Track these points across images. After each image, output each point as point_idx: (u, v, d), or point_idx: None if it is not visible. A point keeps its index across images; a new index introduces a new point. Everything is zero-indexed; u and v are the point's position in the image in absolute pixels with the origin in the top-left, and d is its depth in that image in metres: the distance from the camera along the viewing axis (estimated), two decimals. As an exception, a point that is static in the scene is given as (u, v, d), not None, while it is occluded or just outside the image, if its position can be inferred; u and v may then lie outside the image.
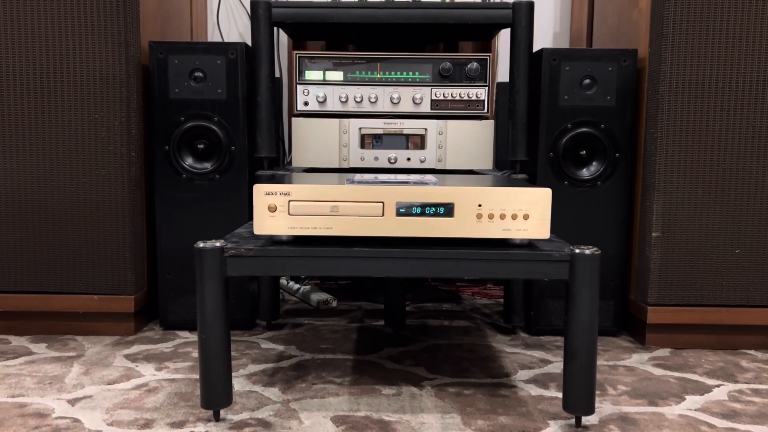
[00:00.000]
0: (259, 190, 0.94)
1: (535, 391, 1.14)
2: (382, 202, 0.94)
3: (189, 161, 1.43)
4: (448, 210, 0.95)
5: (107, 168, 1.37)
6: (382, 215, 0.95)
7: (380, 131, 1.41)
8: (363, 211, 0.94)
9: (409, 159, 1.41)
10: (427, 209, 0.94)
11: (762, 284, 1.36)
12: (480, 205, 0.94)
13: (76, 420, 1.01)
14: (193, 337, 1.43)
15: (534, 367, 1.27)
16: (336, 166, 1.42)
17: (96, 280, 1.39)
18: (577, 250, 0.93)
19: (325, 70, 1.42)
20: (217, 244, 0.94)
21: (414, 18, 1.36)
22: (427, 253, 0.94)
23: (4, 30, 1.33)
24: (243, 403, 1.07)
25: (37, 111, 1.35)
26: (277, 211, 0.94)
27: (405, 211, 0.94)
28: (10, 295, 1.40)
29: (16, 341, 1.39)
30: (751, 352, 1.38)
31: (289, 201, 0.94)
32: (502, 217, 0.95)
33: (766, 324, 1.37)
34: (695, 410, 1.07)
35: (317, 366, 1.25)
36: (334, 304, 1.72)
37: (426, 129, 1.40)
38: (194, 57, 1.40)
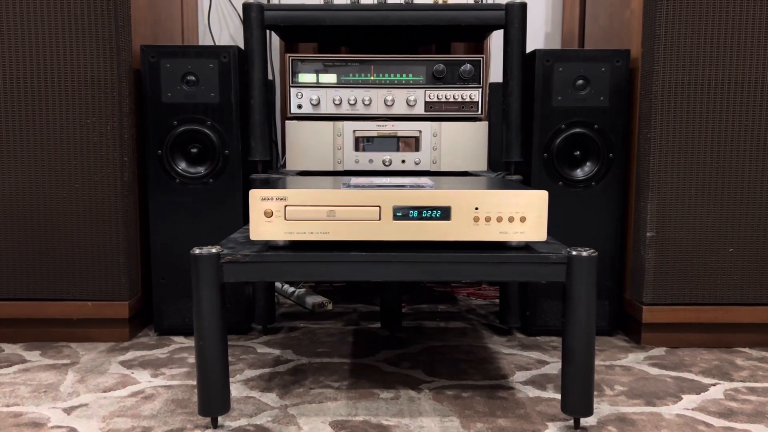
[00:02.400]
0: (255, 195, 0.94)
1: (532, 392, 1.14)
2: (379, 206, 0.94)
3: (182, 165, 1.42)
4: (445, 213, 0.94)
5: (100, 173, 1.36)
6: (379, 219, 0.94)
7: (374, 133, 1.40)
8: (360, 216, 0.94)
9: (403, 161, 1.41)
10: (424, 213, 0.94)
11: (755, 282, 1.36)
12: (477, 208, 0.94)
13: (73, 429, 1.00)
14: (188, 342, 1.43)
15: (531, 368, 1.27)
16: (330, 168, 1.41)
17: (90, 286, 1.38)
18: (574, 252, 0.93)
19: (318, 72, 1.41)
20: (213, 250, 0.94)
21: (406, 20, 1.36)
22: (424, 256, 0.94)
23: (-7, 35, 1.32)
24: (241, 409, 1.07)
25: (29, 116, 1.34)
26: (274, 216, 0.94)
27: (402, 214, 0.94)
28: (3, 302, 1.39)
29: (9, 349, 1.38)
30: (746, 350, 1.39)
31: (286, 206, 0.94)
32: (499, 219, 0.94)
33: (760, 322, 1.38)
34: (692, 410, 1.08)
35: (314, 370, 1.25)
36: (330, 307, 1.71)
37: (420, 131, 1.40)
38: (186, 60, 1.39)
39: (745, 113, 1.33)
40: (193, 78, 1.39)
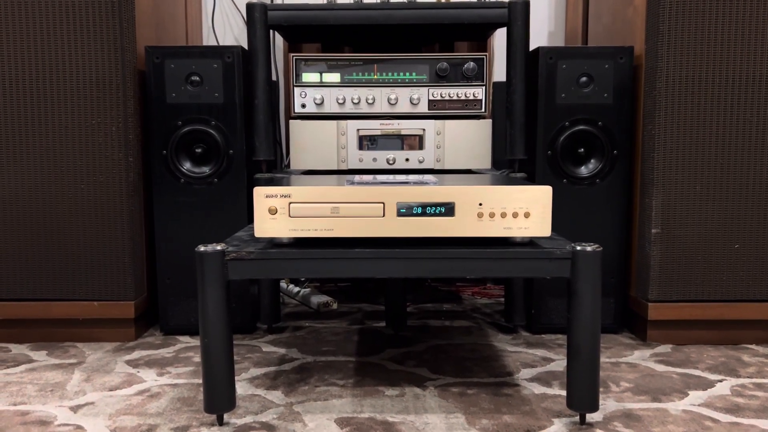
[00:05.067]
0: (260, 192, 0.94)
1: (538, 389, 1.14)
2: (383, 203, 0.94)
3: (187, 165, 1.43)
4: (448, 209, 0.94)
5: (105, 174, 1.36)
6: (383, 216, 0.94)
7: (378, 132, 1.41)
8: (364, 212, 0.94)
9: (407, 159, 1.41)
10: (427, 209, 0.94)
11: (762, 279, 1.36)
12: (481, 204, 0.94)
13: (79, 427, 1.00)
14: (193, 341, 1.43)
15: (536, 365, 1.27)
16: (334, 167, 1.42)
17: (96, 286, 1.39)
18: (579, 248, 0.93)
19: (321, 72, 1.42)
20: (218, 247, 0.94)
21: (409, 19, 1.36)
22: (428, 253, 0.94)
23: (-1, 37, 1.33)
24: (246, 406, 1.07)
25: (34, 118, 1.35)
26: (278, 213, 0.94)
27: (406, 211, 0.94)
28: (10, 303, 1.39)
29: (16, 349, 1.38)
30: (753, 346, 1.38)
31: (290, 203, 0.94)
32: (503, 215, 0.95)
33: (766, 318, 1.37)
34: (699, 405, 1.07)
35: (319, 368, 1.25)
36: (335, 306, 1.71)
37: (424, 129, 1.40)
38: (191, 61, 1.39)
39: (750, 109, 1.32)
40: (198, 78, 1.40)
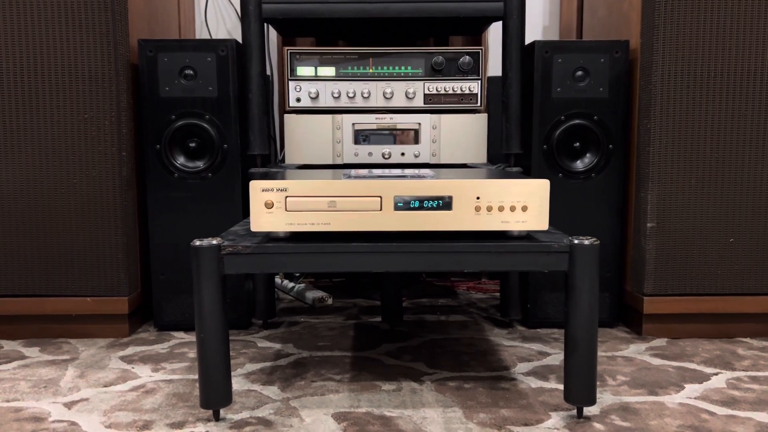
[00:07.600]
0: (256, 186, 0.93)
1: (535, 383, 1.14)
2: (380, 197, 0.94)
3: (181, 160, 1.42)
4: (446, 203, 0.94)
5: (98, 168, 1.35)
6: (380, 210, 0.94)
7: (374, 126, 1.40)
8: (361, 206, 0.94)
9: (403, 154, 1.40)
10: (425, 203, 0.94)
11: (757, 272, 1.36)
12: (478, 198, 0.94)
13: (74, 423, 0.99)
14: (188, 337, 1.42)
15: (533, 359, 1.26)
16: (330, 162, 1.41)
17: (89, 282, 1.38)
18: (576, 241, 0.93)
19: (316, 66, 1.41)
20: (214, 242, 0.93)
21: (405, 12, 1.36)
22: (426, 246, 0.94)
23: (-11, 30, 1.31)
24: (242, 402, 1.07)
25: (26, 112, 1.33)
26: (274, 207, 0.94)
27: (403, 205, 0.94)
28: (2, 299, 1.38)
29: (9, 345, 1.37)
30: (748, 339, 1.39)
31: (286, 197, 0.93)
32: (501, 209, 0.94)
33: (761, 312, 1.38)
34: (695, 398, 1.08)
35: (316, 363, 1.25)
36: (330, 301, 1.71)
37: (419, 123, 1.40)
38: (184, 54, 1.38)
39: (745, 103, 1.33)
40: (191, 72, 1.39)
